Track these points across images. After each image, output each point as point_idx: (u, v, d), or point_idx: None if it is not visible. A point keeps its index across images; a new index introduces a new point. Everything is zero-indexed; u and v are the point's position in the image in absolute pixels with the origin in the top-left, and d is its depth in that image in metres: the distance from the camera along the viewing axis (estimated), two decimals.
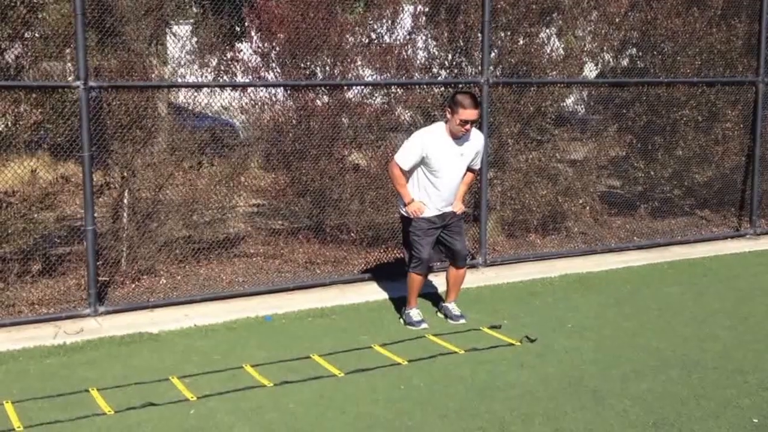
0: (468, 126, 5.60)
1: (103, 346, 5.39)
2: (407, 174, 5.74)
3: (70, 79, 5.91)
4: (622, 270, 7.53)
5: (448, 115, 5.64)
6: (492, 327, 5.81)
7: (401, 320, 5.98)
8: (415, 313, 5.93)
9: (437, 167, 5.66)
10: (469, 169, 5.92)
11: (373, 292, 6.68)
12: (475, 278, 7.17)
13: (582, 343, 5.51)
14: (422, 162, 5.67)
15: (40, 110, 5.85)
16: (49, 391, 4.59)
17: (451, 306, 6.07)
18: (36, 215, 6.07)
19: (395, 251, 7.36)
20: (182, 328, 5.76)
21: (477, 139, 5.84)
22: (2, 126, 5.86)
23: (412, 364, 5.08)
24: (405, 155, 5.67)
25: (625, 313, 6.20)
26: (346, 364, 5.08)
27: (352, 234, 7.35)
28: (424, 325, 5.83)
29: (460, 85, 7.48)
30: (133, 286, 6.40)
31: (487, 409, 4.42)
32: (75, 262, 6.38)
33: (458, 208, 5.88)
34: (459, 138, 5.67)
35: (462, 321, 5.93)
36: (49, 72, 6.01)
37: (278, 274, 6.90)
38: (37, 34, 6.01)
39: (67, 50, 6.02)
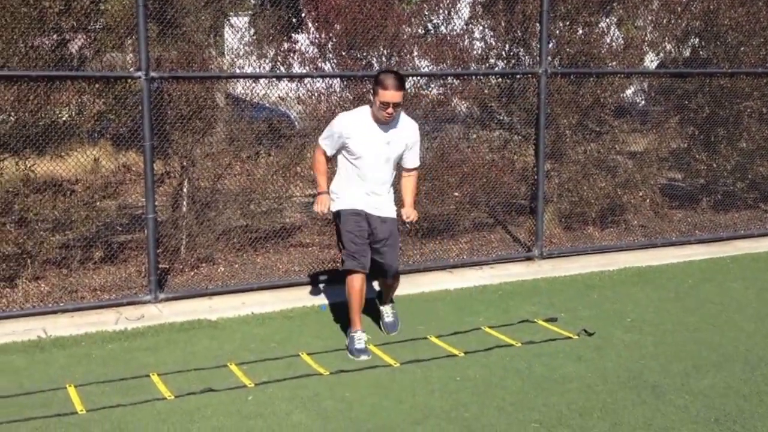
0: (390, 110, 4.98)
1: (163, 332, 5.49)
2: (330, 160, 5.27)
3: (131, 69, 6.01)
4: (683, 264, 7.37)
5: (372, 97, 5.10)
6: (548, 320, 5.75)
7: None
8: (358, 338, 5.13)
9: (359, 153, 5.10)
10: (408, 168, 5.40)
11: (428, 283, 6.66)
12: (531, 270, 7.11)
13: (641, 337, 5.41)
14: (344, 147, 5.15)
15: (102, 100, 5.96)
16: (111, 376, 4.69)
17: (385, 310, 5.54)
18: (98, 203, 6.19)
19: (450, 243, 7.34)
20: (240, 316, 5.83)
21: (409, 128, 5.26)
22: (66, 116, 5.99)
23: (468, 356, 5.06)
24: (324, 137, 5.22)
25: (687, 307, 6.07)
26: (401, 354, 5.08)
27: (407, 225, 7.31)
28: (364, 357, 5.02)
29: (518, 76, 7.41)
30: (192, 273, 6.49)
31: (544, 402, 4.37)
32: (136, 250, 6.51)
33: (411, 214, 5.33)
34: (385, 124, 5.11)
35: (391, 333, 5.42)
36: (112, 63, 6.12)
37: (333, 264, 6.93)
38: (99, 25, 6.13)
39: (128, 41, 6.13)
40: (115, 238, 6.57)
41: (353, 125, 5.11)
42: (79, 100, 5.94)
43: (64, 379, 4.63)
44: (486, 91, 7.45)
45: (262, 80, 6.63)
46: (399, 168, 5.47)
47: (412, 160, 5.39)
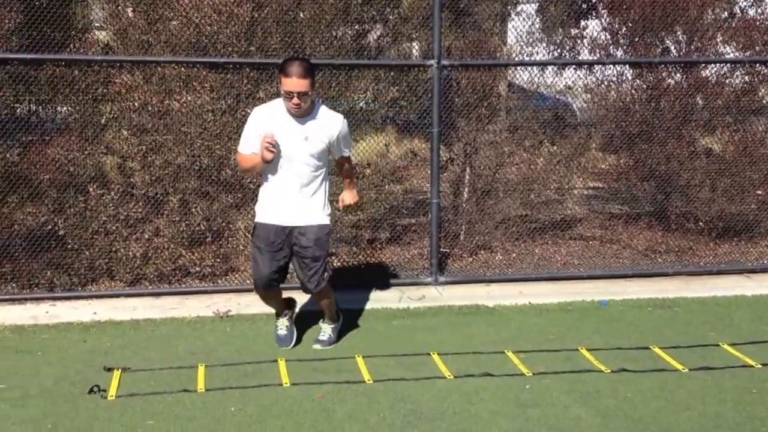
0: (296, 100, 4.41)
1: (442, 314, 5.61)
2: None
3: (422, 58, 6.20)
4: None
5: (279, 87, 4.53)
6: None
7: None
8: (280, 324, 4.99)
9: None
10: (339, 159, 4.87)
11: (722, 287, 6.17)
12: None
13: None
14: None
15: (396, 88, 6.21)
16: (395, 350, 4.87)
17: (323, 328, 5.08)
18: (386, 187, 6.47)
19: (749, 245, 6.74)
20: (516, 305, 5.79)
21: (330, 121, 4.64)
22: (363, 102, 6.32)
23: (767, 369, 4.59)
24: (242, 140, 4.66)
25: None
26: (689, 359, 4.74)
27: (700, 223, 6.84)
28: (284, 347, 4.90)
29: None
30: (470, 259, 6.57)
31: None
32: (419, 233, 6.71)
33: (347, 198, 4.98)
34: (302, 117, 4.54)
35: (317, 346, 4.92)
36: (406, 52, 6.36)
37: (615, 260, 6.66)
38: (396, 16, 6.38)
39: (419, 31, 6.32)
40: (399, 220, 6.83)
41: (268, 118, 4.58)
42: (375, 87, 6.23)
43: (354, 350, 4.89)
44: None
45: (548, 69, 6.51)
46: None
47: (340, 151, 4.79)
